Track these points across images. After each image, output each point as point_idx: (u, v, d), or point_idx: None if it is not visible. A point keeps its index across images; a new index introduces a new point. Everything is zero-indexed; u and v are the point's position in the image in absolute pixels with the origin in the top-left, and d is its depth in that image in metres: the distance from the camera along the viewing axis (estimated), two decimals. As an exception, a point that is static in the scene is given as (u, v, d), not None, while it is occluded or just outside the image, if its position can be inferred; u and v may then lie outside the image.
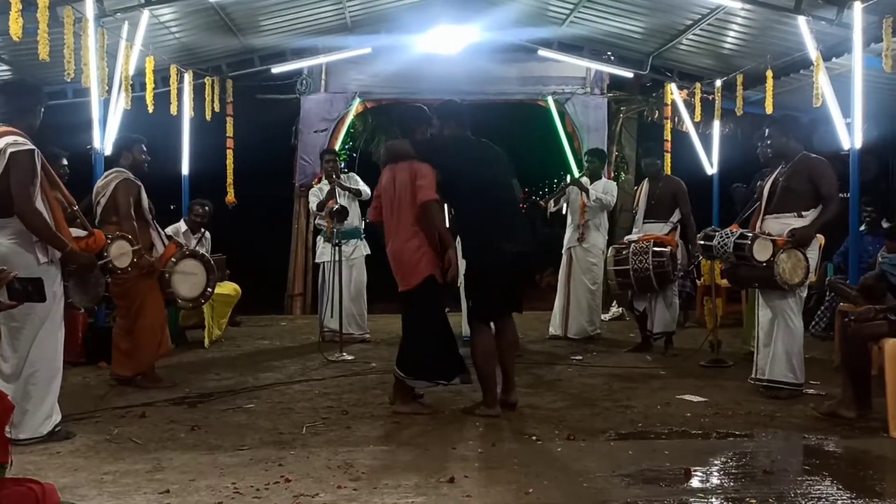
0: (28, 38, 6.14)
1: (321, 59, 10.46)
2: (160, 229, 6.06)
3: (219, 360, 7.05)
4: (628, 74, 10.69)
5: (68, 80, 7.09)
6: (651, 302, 7.20)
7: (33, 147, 4.23)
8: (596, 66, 10.75)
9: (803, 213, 5.31)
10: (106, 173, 6.04)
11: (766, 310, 5.41)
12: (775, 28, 8.13)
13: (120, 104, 7.82)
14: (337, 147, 10.63)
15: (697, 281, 8.30)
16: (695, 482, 3.67)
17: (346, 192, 7.87)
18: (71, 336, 5.66)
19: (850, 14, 6.88)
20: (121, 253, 5.03)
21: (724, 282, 7.11)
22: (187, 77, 9.48)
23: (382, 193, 5.08)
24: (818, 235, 5.55)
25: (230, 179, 10.61)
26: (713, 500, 3.43)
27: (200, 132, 10.10)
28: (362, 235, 8.01)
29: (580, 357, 7.10)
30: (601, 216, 8.16)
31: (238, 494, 3.45)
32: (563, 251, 8.28)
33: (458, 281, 5.10)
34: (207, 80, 9.87)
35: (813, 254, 5.42)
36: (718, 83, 9.81)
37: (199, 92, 9.78)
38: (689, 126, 10.48)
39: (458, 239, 5.10)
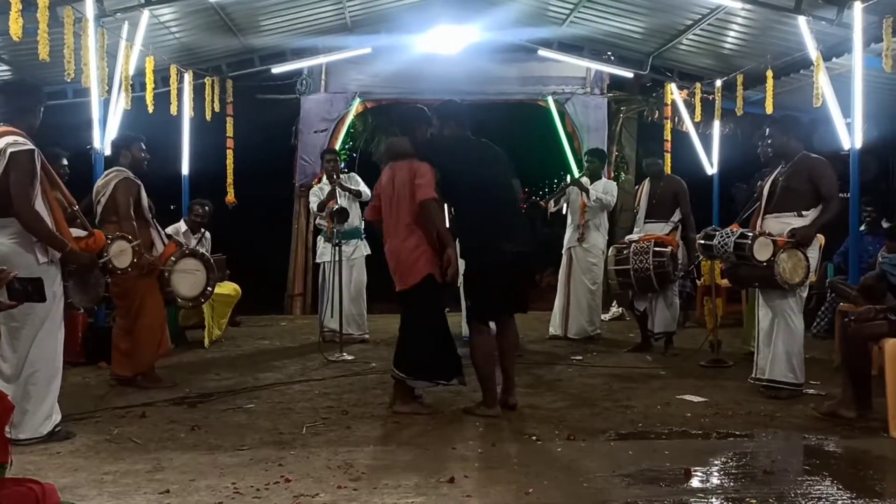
0: (28, 38, 6.14)
1: (321, 59, 10.46)
2: (160, 228, 6.06)
3: (219, 360, 7.05)
4: (628, 74, 10.69)
5: (68, 80, 7.09)
6: (652, 302, 7.20)
7: (33, 147, 4.24)
8: (596, 66, 10.75)
9: (803, 213, 5.31)
10: (106, 172, 6.04)
11: (767, 310, 5.40)
12: (775, 28, 8.13)
13: (120, 104, 7.82)
14: (337, 147, 10.62)
15: (697, 281, 8.30)
16: (695, 482, 3.67)
17: (347, 193, 7.87)
18: (71, 336, 5.66)
19: (850, 14, 6.88)
20: (121, 253, 5.03)
21: (725, 282, 7.11)
22: (187, 77, 9.48)
23: (381, 192, 5.08)
24: (818, 235, 5.55)
25: (230, 179, 10.61)
26: (713, 500, 3.43)
27: (200, 132, 10.10)
28: (363, 235, 8.01)
29: (580, 357, 7.10)
30: (601, 216, 8.16)
31: (238, 494, 3.45)
32: (563, 251, 8.28)
33: (458, 280, 5.10)
34: (207, 80, 9.87)
35: (813, 253, 5.42)
36: (718, 83, 9.81)
37: (199, 92, 9.78)
38: (689, 126, 10.48)
39: (457, 239, 5.09)
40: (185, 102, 9.47)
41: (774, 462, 3.96)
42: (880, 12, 6.70)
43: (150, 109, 8.36)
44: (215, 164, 10.61)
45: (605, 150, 10.33)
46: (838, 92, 7.53)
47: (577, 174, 9.31)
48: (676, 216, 7.35)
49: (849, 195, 6.99)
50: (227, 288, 8.02)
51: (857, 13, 6.78)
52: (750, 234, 5.32)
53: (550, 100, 11.00)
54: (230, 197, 10.57)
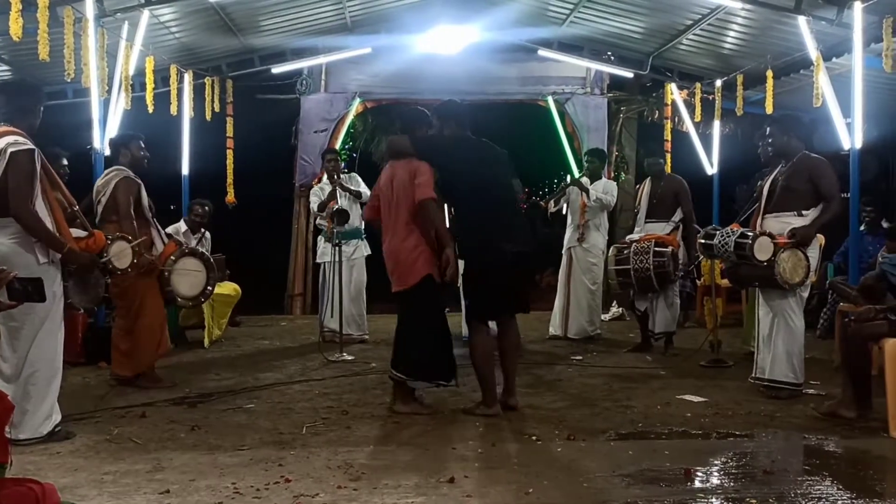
0: (28, 38, 6.14)
1: (321, 59, 10.46)
2: (160, 228, 6.06)
3: (219, 360, 7.05)
4: (628, 74, 10.69)
5: (68, 80, 7.09)
6: (652, 302, 7.20)
7: (34, 147, 4.24)
8: (596, 66, 10.76)
9: (803, 213, 5.31)
10: (106, 172, 6.04)
11: (767, 309, 5.40)
12: (775, 28, 8.13)
13: (120, 104, 7.82)
14: (337, 147, 10.62)
15: (697, 281, 8.30)
16: (695, 482, 3.66)
17: (347, 193, 7.87)
18: (71, 336, 5.66)
19: (850, 14, 6.88)
20: (120, 253, 5.03)
21: (725, 282, 7.12)
22: (187, 77, 9.48)
23: (381, 192, 5.08)
24: (818, 235, 5.54)
25: (230, 179, 10.61)
26: (713, 500, 3.44)
27: (200, 132, 10.10)
28: (363, 236, 8.01)
29: (580, 357, 7.10)
30: (601, 216, 8.16)
31: (238, 494, 3.45)
32: (563, 251, 8.28)
33: (458, 280, 5.09)
34: (207, 80, 9.87)
35: (813, 253, 5.42)
36: (718, 83, 9.81)
37: (199, 92, 9.78)
38: (689, 126, 10.48)
39: (456, 239, 5.08)
40: (185, 102, 9.47)
41: (774, 462, 3.96)
42: (880, 12, 6.70)
43: (150, 109, 8.37)
44: (215, 164, 10.61)
45: (605, 150, 10.34)
46: (838, 92, 7.53)
47: (577, 174, 9.32)
48: (677, 216, 7.34)
49: (849, 195, 6.99)
50: (227, 288, 8.02)
51: (857, 13, 6.78)
52: (750, 233, 5.32)
53: (550, 100, 11.01)
54: (230, 197, 10.57)
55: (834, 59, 7.70)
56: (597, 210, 8.04)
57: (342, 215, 7.42)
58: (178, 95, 9.18)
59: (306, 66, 10.57)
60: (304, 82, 10.74)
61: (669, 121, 10.65)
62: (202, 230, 8.24)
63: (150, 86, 8.32)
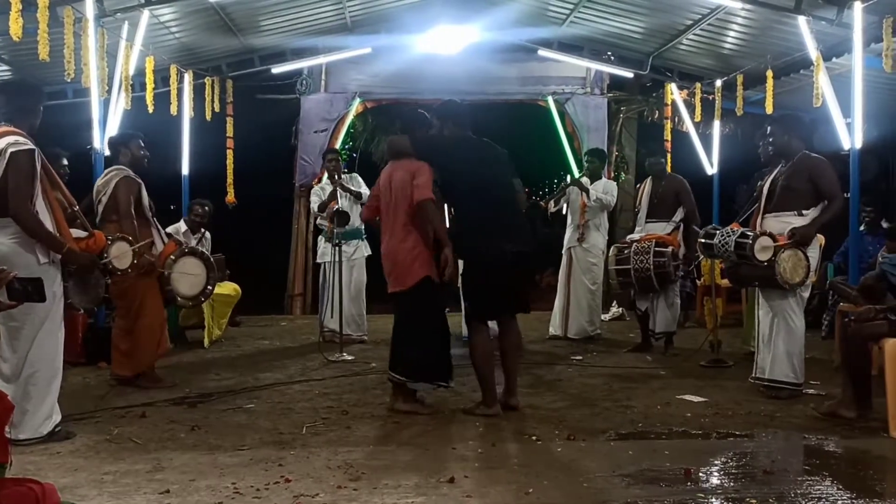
0: (28, 38, 6.14)
1: (321, 59, 10.46)
2: (160, 228, 6.05)
3: (219, 360, 7.05)
4: (628, 74, 10.69)
5: (68, 80, 7.09)
6: (653, 302, 7.20)
7: (34, 147, 4.24)
8: (596, 66, 10.76)
9: (804, 212, 5.30)
10: (106, 171, 6.03)
11: (767, 309, 5.40)
12: (775, 28, 8.13)
13: (120, 104, 7.82)
14: (337, 147, 10.62)
15: (697, 281, 8.30)
16: (695, 482, 3.66)
17: (348, 194, 7.86)
18: (71, 336, 5.66)
19: (850, 14, 6.88)
20: (121, 254, 5.03)
21: (725, 282, 7.12)
22: (187, 77, 9.48)
23: (380, 192, 5.08)
24: (819, 235, 5.54)
25: (230, 179, 10.61)
26: (713, 500, 3.43)
27: (200, 132, 10.10)
28: (364, 236, 8.00)
29: (580, 357, 7.10)
30: (601, 216, 8.16)
31: (238, 494, 3.45)
32: (563, 251, 8.28)
33: (457, 281, 5.09)
34: (207, 80, 9.87)
35: (814, 253, 5.41)
36: (718, 83, 9.81)
37: (199, 92, 9.78)
38: (689, 126, 10.48)
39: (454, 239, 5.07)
40: (185, 102, 9.47)
41: (774, 462, 3.96)
42: (880, 12, 6.70)
43: (150, 109, 8.37)
44: (215, 164, 10.61)
45: (605, 150, 10.34)
46: (838, 92, 7.53)
47: (577, 174, 9.32)
48: (678, 216, 7.33)
49: (849, 195, 6.99)
50: (227, 288, 8.02)
51: (857, 13, 6.78)
52: (751, 233, 5.32)
53: (550, 100, 11.01)
54: (230, 197, 10.57)
55: (834, 59, 7.70)
56: (597, 210, 8.04)
57: (342, 217, 7.42)
58: (178, 95, 9.18)
59: (306, 66, 10.57)
60: (304, 82, 10.74)
61: (669, 121, 10.65)
62: (202, 230, 8.25)
63: (150, 86, 8.32)
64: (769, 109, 8.43)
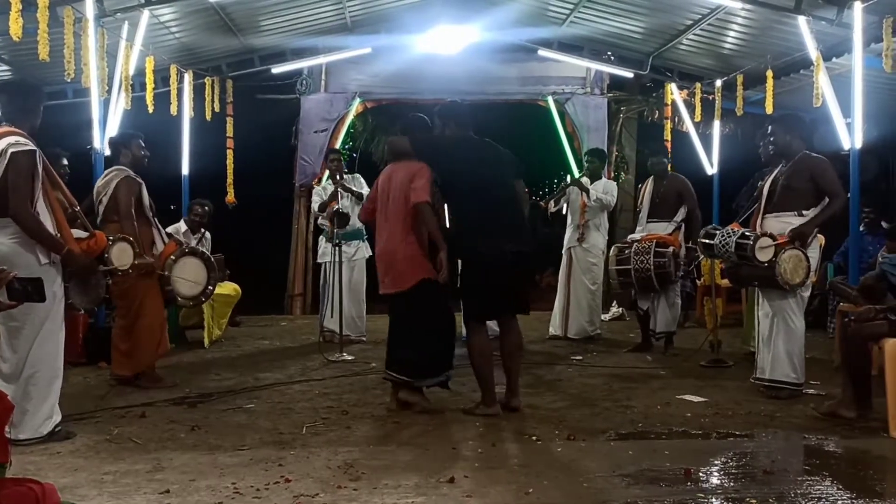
0: (28, 38, 6.14)
1: (321, 59, 10.46)
2: (161, 228, 6.05)
3: (219, 360, 7.06)
4: (628, 74, 10.69)
5: (68, 80, 7.09)
6: (654, 302, 7.20)
7: (35, 148, 4.24)
8: (596, 66, 10.75)
9: (804, 213, 5.30)
10: (106, 172, 6.03)
11: (767, 310, 5.40)
12: (775, 28, 8.13)
13: (120, 104, 7.82)
14: (337, 147, 10.61)
15: (698, 281, 8.30)
16: (695, 482, 3.66)
17: (349, 194, 7.86)
18: (71, 336, 5.65)
19: (850, 14, 6.88)
20: (122, 254, 5.03)
21: (725, 282, 7.12)
22: (187, 77, 9.48)
23: (378, 193, 5.09)
24: (819, 236, 5.54)
25: (230, 179, 10.61)
26: (713, 500, 3.44)
27: (200, 132, 10.10)
28: (365, 237, 7.99)
29: (580, 357, 7.10)
30: (601, 216, 8.17)
31: (238, 494, 3.45)
32: (563, 251, 8.28)
33: (456, 282, 5.07)
34: (207, 80, 9.87)
35: (814, 254, 5.42)
36: (718, 83, 9.81)
37: (199, 92, 9.78)
38: (689, 126, 10.48)
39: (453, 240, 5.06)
40: (185, 102, 9.46)
41: (774, 462, 3.96)
42: (880, 12, 6.70)
43: (150, 109, 8.36)
44: (215, 164, 10.61)
45: (605, 150, 10.33)
46: (838, 92, 7.53)
47: (577, 174, 9.32)
48: (679, 216, 7.33)
49: (849, 195, 6.98)
50: (227, 288, 8.02)
51: (857, 13, 6.78)
52: (751, 234, 5.32)
53: (550, 100, 11.00)
54: (230, 197, 10.57)
55: (834, 59, 7.69)
56: (597, 210, 8.04)
57: (342, 218, 7.42)
58: (178, 95, 9.17)
59: (306, 66, 10.56)
60: (304, 82, 10.73)
61: (669, 121, 10.65)
62: (202, 230, 8.24)
63: (150, 86, 8.32)
64: (769, 109, 8.43)
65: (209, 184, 10.28)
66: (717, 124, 10.22)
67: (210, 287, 6.03)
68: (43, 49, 6.22)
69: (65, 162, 6.22)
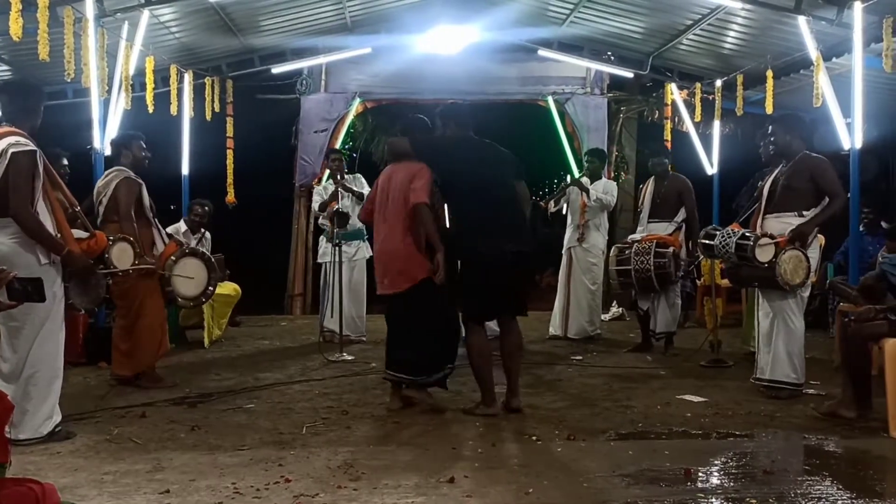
0: (28, 38, 6.14)
1: (321, 59, 10.46)
2: (161, 228, 6.05)
3: (219, 360, 7.06)
4: (628, 74, 10.69)
5: (68, 80, 7.09)
6: (654, 302, 7.20)
7: (35, 148, 4.24)
8: (596, 66, 10.75)
9: (804, 213, 5.30)
10: (106, 172, 6.04)
11: (767, 310, 5.40)
12: (775, 28, 8.12)
13: (120, 104, 7.82)
14: (337, 147, 10.61)
15: (698, 281, 8.30)
16: (695, 482, 3.66)
17: (350, 194, 7.86)
18: (71, 336, 5.65)
19: (850, 14, 6.88)
20: (122, 255, 5.03)
21: (725, 282, 7.11)
22: (187, 77, 9.48)
23: (378, 193, 5.09)
24: (819, 236, 5.54)
25: (230, 179, 10.61)
26: (713, 500, 3.44)
27: (200, 132, 10.10)
28: (365, 237, 7.98)
29: (580, 357, 7.10)
30: (601, 216, 8.17)
31: (238, 494, 3.45)
32: (563, 251, 8.28)
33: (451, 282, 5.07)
34: (207, 80, 9.87)
35: (814, 254, 5.42)
36: (718, 83, 9.81)
37: (199, 92, 9.78)
38: (689, 126, 10.48)
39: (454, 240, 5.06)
40: (185, 102, 9.46)
41: (774, 462, 3.96)
42: (880, 12, 6.70)
43: (150, 109, 8.36)
44: (215, 164, 10.61)
45: (605, 150, 10.33)
46: (838, 92, 7.53)
47: (577, 174, 9.32)
48: (680, 216, 7.33)
49: (849, 195, 6.98)
50: (227, 288, 8.02)
51: (857, 13, 6.78)
52: (751, 234, 5.31)
53: (550, 100, 11.00)
54: (230, 197, 10.57)
55: (834, 59, 7.69)
56: (597, 210, 8.04)
57: (342, 217, 7.42)
58: (178, 95, 9.17)
59: (306, 66, 10.56)
60: (304, 82, 10.73)
61: (669, 121, 10.65)
62: (202, 230, 8.24)
63: (150, 86, 8.32)
64: (769, 109, 8.43)
65: (209, 184, 10.28)
66: (717, 124, 10.22)
67: (211, 288, 6.02)
68: (43, 49, 6.22)
69: (65, 162, 6.22)
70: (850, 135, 7.14)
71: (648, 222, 7.44)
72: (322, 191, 8.12)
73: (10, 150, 4.13)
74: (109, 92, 7.52)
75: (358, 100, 10.88)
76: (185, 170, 9.86)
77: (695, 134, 10.49)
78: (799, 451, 4.27)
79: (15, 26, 5.93)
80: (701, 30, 8.77)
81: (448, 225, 5.04)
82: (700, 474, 3.77)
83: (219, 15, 8.46)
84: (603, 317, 8.76)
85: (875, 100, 7.85)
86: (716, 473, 3.83)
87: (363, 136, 12.32)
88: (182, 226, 8.13)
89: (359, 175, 8.28)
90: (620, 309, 9.81)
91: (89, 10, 6.82)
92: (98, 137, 7.26)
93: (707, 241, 5.68)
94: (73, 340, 6.05)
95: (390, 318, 5.13)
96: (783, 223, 5.34)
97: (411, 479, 3.63)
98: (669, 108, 10.62)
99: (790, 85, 8.78)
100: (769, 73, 8.54)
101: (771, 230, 5.34)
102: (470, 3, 9.86)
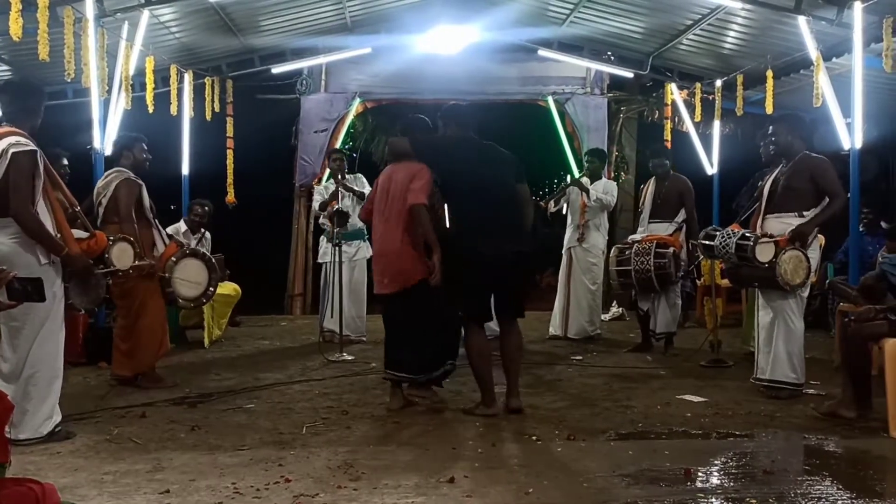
0: (28, 38, 6.14)
1: (321, 59, 10.46)
2: (162, 229, 6.05)
3: (219, 360, 7.06)
4: (628, 74, 10.69)
5: (68, 80, 7.09)
6: (654, 302, 7.20)
7: (36, 148, 4.24)
8: (596, 66, 10.75)
9: (804, 213, 5.30)
10: (106, 173, 6.04)
11: (767, 310, 5.40)
12: (775, 28, 8.12)
13: (120, 104, 7.82)
14: (337, 147, 10.60)
15: (698, 281, 8.30)
16: (695, 482, 3.66)
17: (350, 194, 7.85)
18: (72, 336, 5.65)
19: (850, 14, 6.88)
20: (122, 255, 5.03)
21: (725, 282, 7.11)
22: (187, 77, 9.48)
23: (378, 193, 5.09)
24: (819, 236, 5.53)
25: (230, 179, 10.61)
26: (713, 500, 3.44)
27: (200, 132, 10.10)
28: (366, 237, 7.97)
29: (580, 357, 7.10)
30: (601, 216, 8.16)
31: (238, 494, 3.45)
32: (563, 251, 8.28)
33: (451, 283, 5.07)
34: (207, 80, 9.87)
35: (814, 254, 5.42)
36: (718, 83, 9.81)
37: (199, 92, 9.78)
38: (689, 126, 10.48)
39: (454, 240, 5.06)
40: (185, 102, 9.47)
41: (774, 462, 3.96)
42: (880, 12, 6.70)
43: (150, 109, 8.36)
44: (215, 164, 10.61)
45: (605, 150, 10.33)
46: (838, 92, 7.53)
47: (577, 174, 9.32)
48: (680, 216, 7.32)
49: (849, 195, 6.98)
50: (227, 288, 8.02)
51: (857, 13, 6.78)
52: (751, 235, 5.31)
53: (550, 100, 11.00)
54: (230, 197, 10.57)
55: (834, 59, 7.69)
56: (597, 210, 8.04)
57: (342, 217, 7.42)
58: (178, 95, 9.18)
59: (306, 66, 10.56)
60: (304, 82, 10.73)
61: (669, 121, 10.64)
62: (202, 230, 8.24)
63: (150, 86, 8.32)
64: (769, 109, 8.43)
65: (209, 184, 10.29)
66: (717, 124, 10.22)
67: (211, 288, 6.02)
68: (43, 49, 6.23)
69: (65, 162, 6.22)
70: (850, 135, 7.14)
71: (649, 223, 7.43)
72: (323, 190, 8.12)
73: (11, 150, 4.13)
74: (109, 92, 7.52)
75: (358, 100, 10.87)
76: (185, 170, 9.86)
77: (695, 134, 10.49)
78: (799, 451, 4.27)
79: (15, 26, 5.93)
80: (701, 30, 8.77)
81: (448, 225, 5.04)
82: (700, 474, 3.77)
83: (219, 15, 8.46)
84: (603, 317, 8.76)
85: (875, 100, 7.86)
86: (716, 473, 3.84)
87: (363, 136, 12.33)
88: (182, 226, 8.13)
89: (359, 175, 8.27)
90: (620, 309, 9.81)
91: (89, 10, 6.82)
92: (98, 137, 7.26)
93: (707, 242, 5.68)
94: (73, 340, 6.06)
95: (388, 318, 5.14)
96: (783, 223, 5.34)
97: (411, 479, 3.63)
98: (669, 108, 10.61)
99: (790, 85, 8.78)
100: (769, 73, 8.54)
101: (771, 230, 5.34)
102: (470, 3, 9.86)
